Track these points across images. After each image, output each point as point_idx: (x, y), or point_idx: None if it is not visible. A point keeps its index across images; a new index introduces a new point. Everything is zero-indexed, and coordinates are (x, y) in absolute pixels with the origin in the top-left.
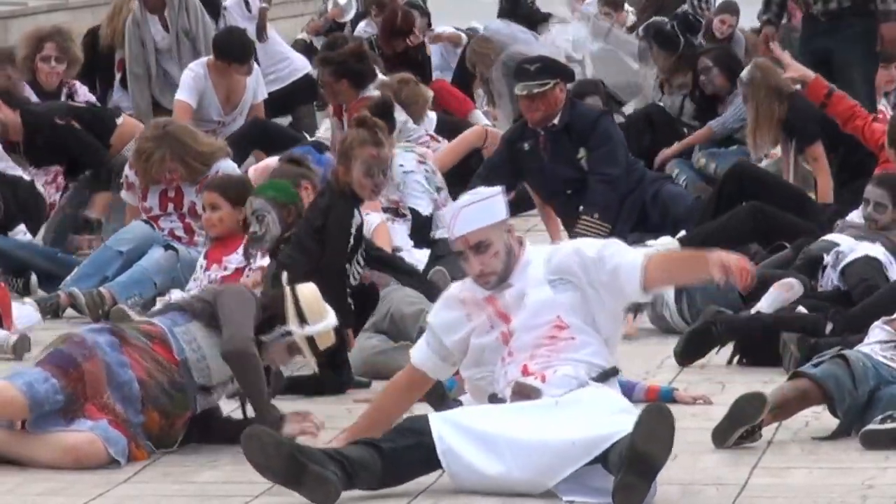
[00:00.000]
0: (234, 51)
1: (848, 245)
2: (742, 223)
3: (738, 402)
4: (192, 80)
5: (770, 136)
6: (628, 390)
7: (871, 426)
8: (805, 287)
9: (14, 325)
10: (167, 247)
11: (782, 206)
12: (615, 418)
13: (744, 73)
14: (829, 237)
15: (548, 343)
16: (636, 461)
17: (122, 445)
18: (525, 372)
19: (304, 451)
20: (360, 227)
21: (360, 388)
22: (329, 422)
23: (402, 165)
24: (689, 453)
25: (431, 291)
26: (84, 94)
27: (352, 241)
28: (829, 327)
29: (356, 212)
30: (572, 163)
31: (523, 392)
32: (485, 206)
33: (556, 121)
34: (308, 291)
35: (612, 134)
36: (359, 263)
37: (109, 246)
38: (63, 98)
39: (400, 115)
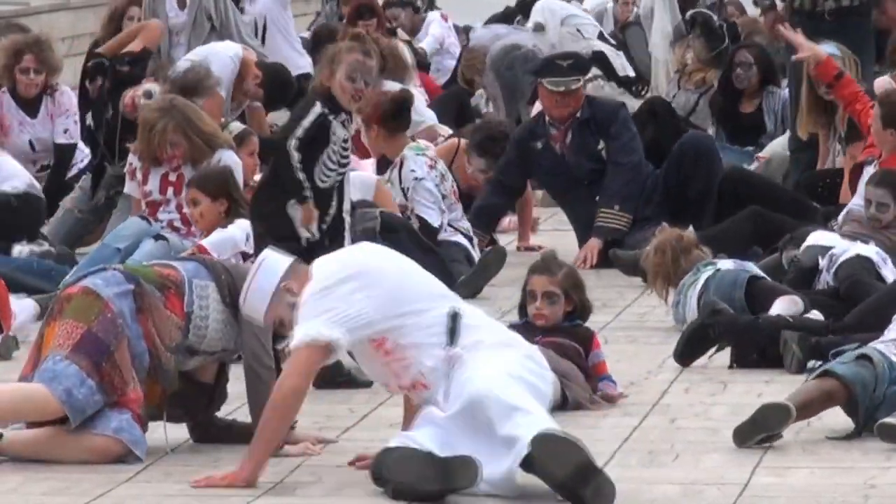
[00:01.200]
0: (276, 98)
1: (841, 247)
2: (743, 227)
3: (763, 410)
4: (230, 73)
5: (813, 119)
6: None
7: (888, 419)
8: (806, 306)
9: (13, 322)
10: (157, 237)
11: (775, 208)
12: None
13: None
14: (817, 240)
15: (388, 360)
16: (572, 484)
17: (145, 446)
18: (405, 390)
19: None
20: (323, 127)
21: (360, 388)
22: (330, 421)
23: (413, 171)
24: (691, 453)
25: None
26: (69, 100)
27: (311, 133)
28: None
29: (329, 116)
30: (594, 154)
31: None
32: (255, 291)
33: (578, 114)
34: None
35: (631, 125)
36: (326, 166)
37: (108, 244)
38: (43, 105)
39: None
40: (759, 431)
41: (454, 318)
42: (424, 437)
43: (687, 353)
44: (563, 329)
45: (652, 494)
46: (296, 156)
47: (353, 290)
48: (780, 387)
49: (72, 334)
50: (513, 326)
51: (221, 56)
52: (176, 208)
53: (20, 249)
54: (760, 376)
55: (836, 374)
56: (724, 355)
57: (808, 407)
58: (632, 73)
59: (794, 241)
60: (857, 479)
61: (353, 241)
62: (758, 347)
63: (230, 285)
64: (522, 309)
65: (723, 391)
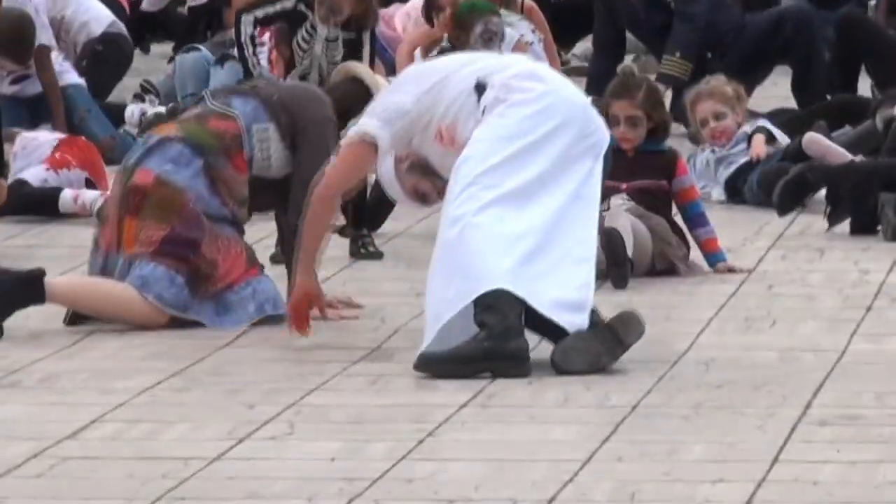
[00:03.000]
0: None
1: None
2: (829, 113)
3: None
4: None
5: None
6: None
7: None
8: None
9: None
10: (222, 59)
11: (886, 59)
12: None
13: None
14: None
15: (455, 148)
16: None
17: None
18: None
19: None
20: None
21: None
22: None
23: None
24: (787, 320)
25: None
26: None
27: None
28: None
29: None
30: (664, 6)
31: None
32: (384, 178)
33: None
34: (363, 69)
35: None
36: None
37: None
38: None
39: None
40: None
41: (479, 88)
42: None
43: (785, 203)
44: (647, 153)
45: (749, 360)
46: (248, 30)
47: (397, 89)
48: (875, 254)
49: (153, 237)
50: None
51: None
52: (268, 50)
53: (132, 109)
54: (857, 243)
55: None
56: (821, 224)
57: None
58: None
59: (887, 102)
60: None
61: None
62: (855, 189)
63: (290, 129)
64: None
65: (820, 258)
